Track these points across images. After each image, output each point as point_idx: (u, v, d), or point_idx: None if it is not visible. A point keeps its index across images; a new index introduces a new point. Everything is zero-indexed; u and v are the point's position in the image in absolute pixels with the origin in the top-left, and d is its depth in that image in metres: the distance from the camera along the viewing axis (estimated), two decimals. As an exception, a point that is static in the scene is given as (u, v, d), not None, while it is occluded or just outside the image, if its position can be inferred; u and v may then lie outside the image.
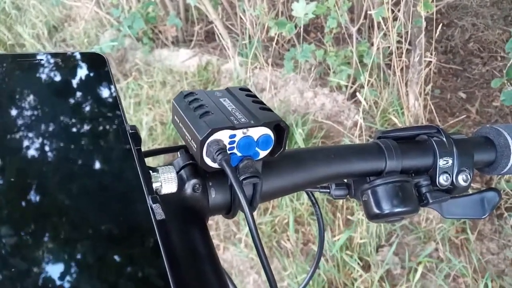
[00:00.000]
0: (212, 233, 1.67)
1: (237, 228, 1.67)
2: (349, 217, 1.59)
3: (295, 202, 1.64)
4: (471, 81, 2.11)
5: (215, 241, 1.64)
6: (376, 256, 1.50)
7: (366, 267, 1.48)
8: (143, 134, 2.05)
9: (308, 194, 0.51)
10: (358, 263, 1.48)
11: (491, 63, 2.17)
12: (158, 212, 0.27)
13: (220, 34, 2.18)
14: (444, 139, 0.45)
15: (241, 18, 2.21)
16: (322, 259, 1.49)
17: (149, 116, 2.13)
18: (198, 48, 2.44)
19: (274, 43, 2.04)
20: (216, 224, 1.69)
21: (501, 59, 2.16)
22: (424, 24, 1.59)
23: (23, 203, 0.26)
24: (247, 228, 1.62)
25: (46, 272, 0.23)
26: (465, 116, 1.90)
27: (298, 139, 1.80)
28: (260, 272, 1.54)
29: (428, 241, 1.53)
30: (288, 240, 1.59)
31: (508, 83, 1.53)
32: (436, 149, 0.44)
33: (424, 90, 1.74)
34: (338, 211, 1.61)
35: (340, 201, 1.62)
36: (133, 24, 2.32)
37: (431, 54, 1.66)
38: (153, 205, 0.27)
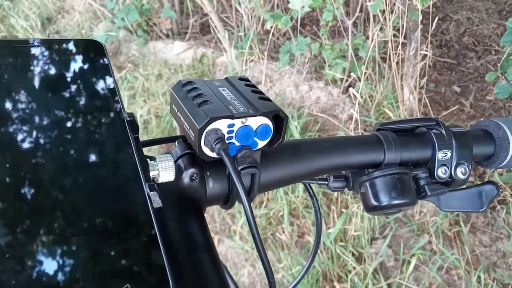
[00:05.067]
0: (207, 225, 1.67)
1: (232, 220, 1.67)
2: (343, 210, 1.60)
3: (290, 195, 1.64)
4: (465, 75, 2.12)
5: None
6: (370, 248, 1.51)
7: (360, 259, 1.49)
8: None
9: (306, 186, 0.51)
10: (352, 255, 1.48)
11: (485, 57, 2.17)
12: (155, 200, 0.27)
13: (215, 26, 2.17)
14: (443, 131, 0.45)
15: (236, 10, 2.19)
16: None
17: (144, 109, 2.12)
18: (193, 40, 2.43)
19: (270, 36, 2.03)
20: (211, 217, 1.69)
21: (496, 53, 2.17)
22: (420, 17, 1.59)
23: (22, 193, 0.26)
24: (242, 220, 1.62)
25: (43, 263, 0.23)
26: (458, 108, 1.91)
27: (294, 132, 1.80)
28: (254, 264, 1.55)
29: (421, 234, 1.54)
30: (283, 232, 1.60)
31: (502, 77, 1.54)
32: (435, 141, 0.44)
33: (419, 83, 1.75)
34: (333, 204, 1.61)
35: (335, 194, 1.62)
36: (128, 16, 2.30)
37: (427, 47, 1.66)
38: (150, 193, 0.27)
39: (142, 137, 2.01)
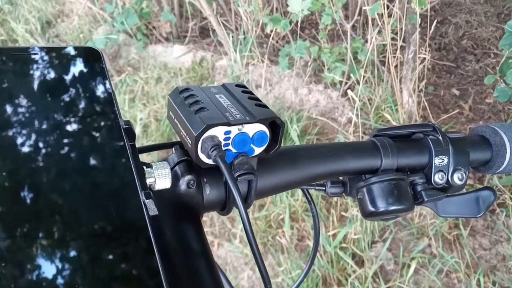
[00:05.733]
0: (206, 229, 1.67)
1: (231, 224, 1.67)
2: (343, 213, 1.60)
3: (290, 199, 1.64)
4: (464, 78, 2.13)
5: (210, 237, 1.64)
6: (370, 252, 1.51)
7: (360, 263, 1.49)
8: (138, 131, 2.04)
9: (303, 192, 0.51)
10: (352, 259, 1.48)
11: (484, 60, 2.18)
12: (151, 207, 0.27)
13: (215, 30, 2.17)
14: (440, 137, 0.45)
15: (235, 14, 2.20)
16: (317, 254, 1.49)
17: (143, 112, 2.12)
18: (193, 44, 2.43)
19: (270, 39, 2.04)
20: (211, 220, 1.69)
21: (494, 56, 2.17)
22: (418, 20, 1.59)
23: (18, 198, 0.26)
24: (242, 224, 1.62)
25: (39, 269, 0.23)
26: (457, 112, 1.91)
27: (293, 135, 1.80)
28: (254, 268, 1.55)
29: (421, 237, 1.54)
30: (284, 236, 1.60)
31: (501, 80, 1.54)
32: (432, 147, 0.44)
33: (418, 86, 1.75)
34: (332, 208, 1.61)
35: (334, 198, 1.62)
36: (127, 20, 2.31)
37: (425, 51, 1.66)
38: (146, 201, 0.27)
39: (142, 140, 2.01)
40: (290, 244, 1.57)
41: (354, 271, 1.45)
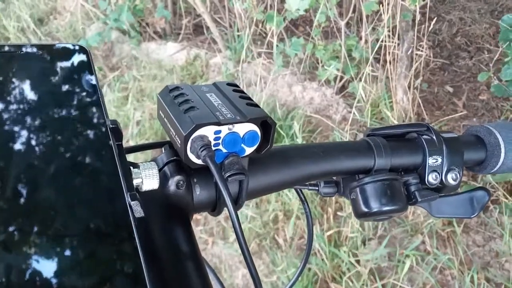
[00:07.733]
0: (201, 227, 1.66)
1: (226, 222, 1.66)
2: (338, 212, 1.60)
3: (285, 197, 1.64)
4: (458, 75, 2.13)
5: (204, 236, 1.64)
6: (365, 249, 1.51)
7: (355, 261, 1.49)
8: (132, 129, 2.03)
9: (297, 192, 0.50)
10: (348, 256, 1.48)
11: (478, 57, 2.18)
12: (137, 209, 0.26)
13: (209, 27, 2.16)
14: (434, 137, 0.44)
15: (229, 11, 2.19)
16: (311, 252, 1.49)
17: (137, 110, 2.11)
18: (186, 41, 2.42)
19: (268, 37, 2.03)
20: (205, 219, 1.69)
21: (488, 52, 2.18)
22: (417, 17, 1.59)
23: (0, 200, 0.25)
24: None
25: (20, 267, 0.23)
26: (450, 108, 1.92)
27: (296, 130, 1.77)
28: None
29: (415, 234, 1.54)
30: (279, 234, 1.59)
31: (494, 77, 1.55)
32: (426, 147, 0.44)
33: (413, 84, 1.75)
34: (328, 206, 1.61)
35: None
36: (120, 17, 2.29)
37: (418, 48, 1.66)
38: (132, 203, 0.26)
39: (135, 139, 2.00)
40: (286, 243, 1.56)
41: (349, 269, 1.45)
